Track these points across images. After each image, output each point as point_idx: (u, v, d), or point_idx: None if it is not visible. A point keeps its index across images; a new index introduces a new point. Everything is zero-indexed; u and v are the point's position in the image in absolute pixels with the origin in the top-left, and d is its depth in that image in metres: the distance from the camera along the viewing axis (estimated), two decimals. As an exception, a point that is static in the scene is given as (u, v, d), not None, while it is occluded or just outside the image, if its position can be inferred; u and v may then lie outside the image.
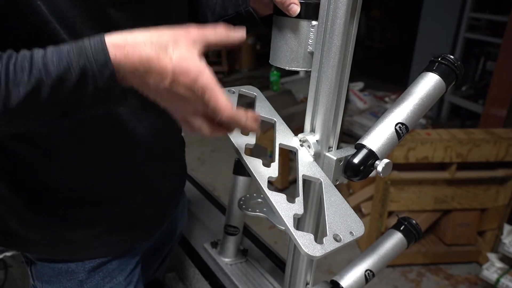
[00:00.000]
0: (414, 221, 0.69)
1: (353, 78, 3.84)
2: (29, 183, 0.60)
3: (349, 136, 3.31)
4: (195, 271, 0.82)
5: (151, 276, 0.86)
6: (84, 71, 0.40)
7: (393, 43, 5.85)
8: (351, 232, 0.42)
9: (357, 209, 2.54)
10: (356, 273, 0.63)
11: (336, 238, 0.41)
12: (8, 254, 0.97)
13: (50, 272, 0.65)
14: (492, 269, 1.88)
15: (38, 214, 0.62)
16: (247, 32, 0.57)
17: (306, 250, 0.38)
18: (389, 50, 5.82)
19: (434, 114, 3.79)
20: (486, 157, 1.95)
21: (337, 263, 2.15)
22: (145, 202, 0.68)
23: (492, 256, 1.92)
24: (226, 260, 0.81)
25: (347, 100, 3.56)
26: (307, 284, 0.62)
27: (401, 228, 0.68)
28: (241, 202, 0.66)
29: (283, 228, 0.60)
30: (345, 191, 2.67)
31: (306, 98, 2.99)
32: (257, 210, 0.64)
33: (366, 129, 2.99)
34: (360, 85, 3.56)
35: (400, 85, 3.96)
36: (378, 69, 4.99)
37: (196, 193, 1.05)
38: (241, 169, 0.78)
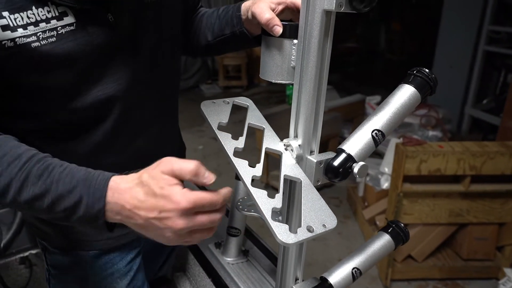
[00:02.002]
0: (402, 224, 0.73)
1: (371, 91, 3.86)
2: None
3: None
4: (200, 270, 0.88)
5: (157, 272, 0.93)
6: (81, 198, 0.50)
7: (413, 56, 5.82)
8: (324, 225, 0.47)
9: (372, 222, 2.54)
10: (344, 270, 0.67)
11: (309, 229, 0.46)
12: (33, 252, 1.05)
13: (61, 258, 0.75)
14: (508, 284, 1.86)
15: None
16: (243, 49, 0.64)
17: (280, 238, 0.44)
18: (409, 63, 5.80)
19: (454, 127, 3.74)
20: (501, 170, 1.93)
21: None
22: None
23: (509, 271, 1.89)
24: (228, 259, 0.87)
25: (364, 113, 3.57)
26: (297, 279, 0.67)
27: (389, 230, 0.72)
28: (239, 203, 0.72)
29: (274, 226, 0.66)
30: (361, 203, 2.68)
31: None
32: (252, 210, 0.70)
33: (383, 142, 3.01)
34: (377, 98, 3.57)
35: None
36: (399, 81, 4.98)
37: None
38: (242, 174, 0.85)
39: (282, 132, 2.25)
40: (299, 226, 0.46)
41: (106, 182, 0.51)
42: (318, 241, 2.51)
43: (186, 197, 0.48)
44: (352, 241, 2.52)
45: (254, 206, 0.71)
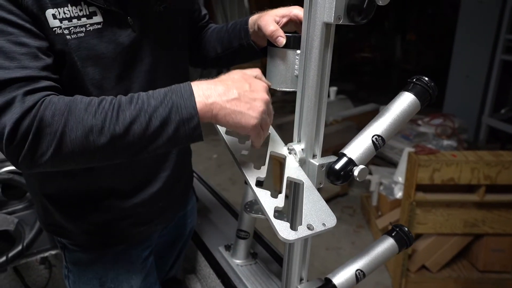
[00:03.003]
0: (406, 229, 0.75)
1: (386, 101, 3.85)
2: (76, 186, 0.73)
3: (381, 159, 3.31)
4: (210, 271, 0.91)
5: (167, 272, 0.97)
6: (173, 103, 0.54)
7: (429, 66, 5.79)
8: (323, 224, 0.50)
9: (385, 231, 2.52)
10: (348, 272, 0.69)
11: (309, 227, 0.49)
12: (52, 252, 1.10)
13: (79, 254, 0.80)
14: (525, 296, 1.81)
15: (77, 209, 0.75)
16: (250, 61, 0.69)
17: (281, 234, 0.47)
18: (425, 73, 5.75)
19: (471, 137, 3.70)
20: (516, 180, 1.91)
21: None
22: (161, 202, 0.80)
23: (525, 283, 1.85)
24: (237, 261, 0.89)
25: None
26: (301, 279, 0.69)
27: (393, 234, 0.74)
28: (247, 206, 0.75)
29: (280, 227, 0.69)
30: (374, 213, 2.67)
31: (336, 121, 3.07)
32: (260, 213, 0.73)
33: (397, 151, 2.97)
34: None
35: (434, 107, 3.92)
36: (414, 92, 4.95)
37: (213, 201, 1.15)
38: (251, 179, 0.88)
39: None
40: (300, 224, 0.49)
41: (188, 85, 0.55)
42: (331, 250, 2.51)
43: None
44: (365, 251, 2.51)
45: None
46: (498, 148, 3.47)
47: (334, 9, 0.49)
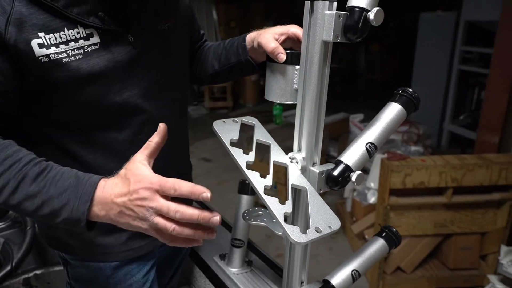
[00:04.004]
0: (394, 229, 0.80)
1: (354, 110, 4.00)
2: None
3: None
4: (206, 281, 0.92)
5: (165, 286, 0.98)
6: (68, 202, 0.57)
7: (392, 76, 6.05)
8: (329, 226, 0.54)
9: (360, 236, 2.61)
10: (344, 273, 0.73)
11: (317, 230, 0.53)
12: (37, 272, 1.07)
13: (83, 270, 0.80)
14: (493, 290, 1.93)
15: None
16: (246, 76, 0.73)
17: (293, 238, 0.50)
18: (389, 82, 6.02)
19: (434, 143, 3.90)
20: (480, 181, 2.04)
21: None
22: None
23: (492, 278, 1.97)
24: (233, 270, 0.91)
25: (348, 131, 3.68)
26: (302, 283, 0.72)
27: (383, 235, 0.79)
28: (245, 214, 0.78)
29: (280, 233, 0.72)
30: (349, 219, 2.75)
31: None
32: (258, 220, 0.76)
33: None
34: (360, 116, 3.71)
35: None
36: (380, 100, 5.17)
37: None
38: (244, 188, 0.91)
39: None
40: (308, 227, 0.53)
41: (94, 185, 0.58)
42: (310, 257, 2.56)
43: (152, 179, 0.55)
44: (343, 256, 2.57)
45: (260, 216, 0.77)
46: (459, 153, 3.67)
47: (333, 28, 0.54)
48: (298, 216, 0.64)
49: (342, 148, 3.86)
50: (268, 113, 5.38)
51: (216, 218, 0.54)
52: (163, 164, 0.79)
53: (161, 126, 0.61)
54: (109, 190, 0.57)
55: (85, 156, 0.71)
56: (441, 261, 2.34)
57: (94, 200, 0.57)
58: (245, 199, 0.90)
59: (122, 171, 0.58)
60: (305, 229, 0.53)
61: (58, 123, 0.69)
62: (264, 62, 0.78)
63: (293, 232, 0.51)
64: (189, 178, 0.94)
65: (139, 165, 0.57)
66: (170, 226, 0.54)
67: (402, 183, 2.03)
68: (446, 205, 2.11)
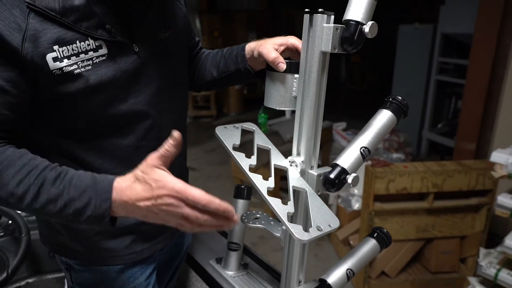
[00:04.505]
0: (385, 230, 0.85)
1: (337, 119, 4.08)
2: None
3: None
4: (203, 285, 0.94)
5: (163, 288, 0.99)
6: (90, 200, 0.60)
7: (373, 86, 6.21)
8: (329, 225, 0.57)
9: (346, 242, 2.65)
10: (339, 272, 0.77)
11: (318, 229, 0.56)
12: (29, 281, 1.06)
13: (87, 274, 0.80)
14: (474, 291, 2.00)
15: (83, 231, 0.77)
16: (244, 83, 0.76)
17: (297, 236, 0.53)
18: (369, 92, 6.17)
19: (414, 150, 4.01)
20: (459, 187, 2.12)
21: None
22: None
23: (472, 280, 2.04)
24: (230, 273, 0.93)
25: (332, 139, 3.75)
26: (299, 282, 0.75)
27: (375, 235, 0.83)
28: (243, 217, 0.80)
29: (279, 235, 0.75)
30: (334, 225, 2.80)
31: (292, 138, 3.20)
32: (257, 223, 0.78)
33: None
34: (343, 125, 3.79)
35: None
36: (360, 109, 5.31)
37: None
38: (240, 193, 0.94)
39: (257, 159, 2.35)
40: (310, 226, 0.56)
41: (111, 184, 0.60)
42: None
43: (176, 185, 0.58)
44: (328, 262, 2.61)
45: (258, 219, 0.80)
46: (437, 160, 3.80)
47: (331, 40, 0.58)
48: (298, 216, 0.67)
49: (326, 156, 3.89)
50: (252, 121, 5.39)
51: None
52: (171, 172, 0.82)
53: (176, 135, 0.62)
54: (128, 192, 0.60)
55: (92, 162, 0.73)
56: (424, 265, 2.41)
57: (113, 201, 0.59)
58: (241, 203, 0.93)
59: (140, 174, 0.60)
60: (305, 228, 0.56)
61: (65, 131, 0.71)
62: (261, 70, 0.82)
63: (297, 231, 0.54)
64: (187, 181, 0.96)
65: (158, 170, 0.59)
66: (202, 217, 0.57)
67: (385, 189, 2.09)
68: (428, 210, 2.18)
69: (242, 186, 0.93)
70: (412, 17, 4.07)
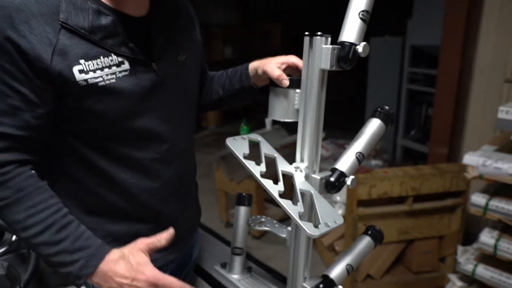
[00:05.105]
0: (377, 228, 0.93)
1: (315, 129, 4.20)
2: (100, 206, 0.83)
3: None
4: (211, 289, 0.99)
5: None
6: (78, 260, 0.70)
7: (349, 96, 6.41)
8: (335, 221, 0.65)
9: (331, 247, 2.74)
10: (340, 267, 0.84)
11: (326, 225, 0.63)
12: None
13: None
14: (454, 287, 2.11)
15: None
16: (249, 100, 0.86)
17: (309, 231, 0.60)
18: (346, 102, 6.37)
19: (390, 157, 4.18)
20: (435, 189, 2.25)
21: None
22: (174, 228, 0.88)
23: (452, 277, 2.16)
24: (235, 276, 0.99)
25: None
26: (305, 278, 0.82)
27: (369, 233, 0.91)
28: (250, 221, 0.87)
29: (284, 235, 0.82)
30: (319, 232, 2.88)
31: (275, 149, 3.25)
32: (263, 226, 0.85)
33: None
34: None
35: (357, 132, 4.37)
36: (337, 119, 5.47)
37: (204, 233, 1.25)
38: (242, 200, 1.00)
39: (239, 173, 2.48)
40: (319, 223, 0.63)
41: (104, 255, 0.71)
42: (284, 272, 2.64)
43: (155, 273, 0.71)
44: (315, 268, 2.66)
45: (263, 222, 0.87)
46: (412, 165, 3.96)
47: (329, 59, 0.66)
48: (306, 214, 0.74)
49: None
50: (232, 134, 5.44)
51: None
52: (178, 182, 0.88)
53: (171, 231, 0.77)
54: (111, 265, 0.71)
55: (109, 171, 0.79)
56: (406, 266, 2.51)
57: (97, 269, 0.70)
58: (243, 210, 0.99)
59: (126, 253, 0.72)
60: (314, 225, 0.63)
61: (85, 139, 0.77)
62: (263, 87, 0.90)
63: (309, 227, 0.61)
64: (196, 195, 1.03)
65: (143, 255, 0.72)
66: None
67: (368, 194, 2.19)
68: (408, 212, 2.29)
69: (244, 194, 0.99)
70: (382, 30, 4.27)
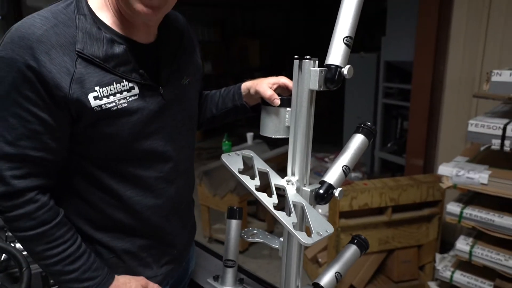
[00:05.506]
0: (363, 237, 0.98)
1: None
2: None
3: (299, 195, 3.63)
4: (203, 303, 1.01)
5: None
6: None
7: (327, 110, 6.55)
8: (326, 230, 0.69)
9: (314, 260, 2.78)
10: (329, 275, 0.89)
11: (318, 234, 0.68)
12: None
13: None
14: (434, 295, 2.19)
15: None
16: (240, 118, 0.92)
17: (303, 240, 0.65)
18: (324, 116, 6.51)
19: (368, 169, 4.29)
20: (412, 199, 2.35)
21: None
22: (174, 243, 0.92)
23: (432, 284, 2.23)
24: (228, 288, 1.02)
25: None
26: (297, 286, 0.86)
27: (355, 242, 0.97)
28: (243, 233, 0.90)
29: (276, 246, 0.86)
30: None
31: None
32: (256, 238, 0.89)
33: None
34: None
35: (336, 146, 4.49)
36: (317, 133, 5.58)
37: (198, 249, 1.28)
38: (233, 214, 1.04)
39: (222, 188, 2.53)
40: (312, 232, 0.68)
41: (110, 283, 0.81)
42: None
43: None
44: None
45: (256, 234, 0.91)
46: (390, 177, 4.08)
47: (317, 80, 0.72)
48: (298, 224, 0.79)
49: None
50: (212, 149, 5.51)
51: None
52: (178, 199, 0.91)
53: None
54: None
55: (116, 189, 0.82)
56: (387, 275, 2.58)
57: None
58: (235, 223, 1.03)
59: (129, 279, 0.85)
60: (308, 233, 0.68)
61: (95, 159, 0.80)
62: (255, 105, 0.95)
63: (302, 236, 0.66)
64: (193, 211, 1.07)
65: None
66: None
67: (349, 205, 2.26)
68: (387, 223, 2.37)
69: (235, 208, 1.03)
70: (357, 47, 4.43)
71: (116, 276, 0.84)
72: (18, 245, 1.03)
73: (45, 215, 0.75)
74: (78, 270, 0.77)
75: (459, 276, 1.94)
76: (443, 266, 2.04)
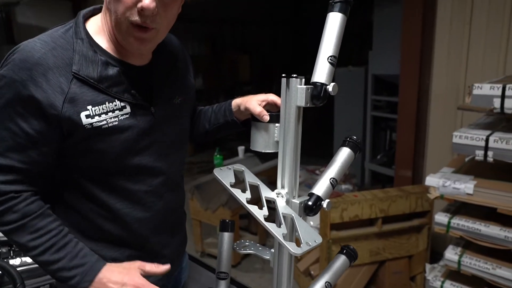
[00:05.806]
0: (351, 247, 1.01)
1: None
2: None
3: (290, 207, 3.65)
4: (197, 315, 1.03)
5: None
6: (75, 276, 0.80)
7: (317, 123, 6.62)
8: (315, 241, 0.72)
9: (306, 272, 2.79)
10: (319, 284, 0.91)
11: (307, 244, 0.71)
12: None
13: None
14: (425, 305, 2.21)
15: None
16: (231, 132, 0.96)
17: (293, 250, 0.67)
18: (313, 129, 6.56)
19: (359, 181, 4.34)
20: (402, 210, 2.39)
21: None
22: (163, 253, 0.94)
23: (423, 294, 2.26)
24: (221, 300, 1.03)
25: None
26: (288, 296, 0.88)
27: (344, 252, 0.99)
28: (235, 245, 0.93)
29: (267, 257, 0.89)
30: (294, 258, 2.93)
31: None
32: (247, 250, 0.91)
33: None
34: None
35: (326, 158, 4.54)
36: (307, 146, 5.63)
37: (191, 262, 1.29)
38: (225, 227, 1.06)
39: (214, 202, 2.57)
40: (301, 243, 0.71)
41: (99, 269, 0.80)
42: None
43: (143, 281, 0.82)
44: (292, 294, 2.71)
45: (247, 246, 0.93)
46: (380, 188, 4.13)
47: (304, 98, 0.76)
48: (287, 236, 0.82)
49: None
50: (203, 163, 5.53)
51: None
52: (168, 212, 0.94)
53: (168, 267, 0.88)
54: (106, 274, 0.81)
55: (106, 201, 0.86)
56: (378, 287, 2.60)
57: (94, 281, 0.80)
58: (227, 236, 1.05)
59: (121, 265, 0.83)
60: (297, 244, 0.71)
61: (86, 173, 0.84)
62: (245, 120, 0.99)
63: (292, 247, 0.68)
64: (184, 223, 1.10)
65: (135, 270, 0.85)
66: None
67: (340, 217, 2.29)
68: (378, 234, 2.40)
69: (227, 221, 1.05)
70: (345, 61, 4.53)
71: (107, 263, 0.84)
72: (12, 262, 1.04)
73: (27, 207, 0.78)
74: (64, 258, 0.79)
75: (449, 286, 1.97)
76: (433, 276, 2.07)
